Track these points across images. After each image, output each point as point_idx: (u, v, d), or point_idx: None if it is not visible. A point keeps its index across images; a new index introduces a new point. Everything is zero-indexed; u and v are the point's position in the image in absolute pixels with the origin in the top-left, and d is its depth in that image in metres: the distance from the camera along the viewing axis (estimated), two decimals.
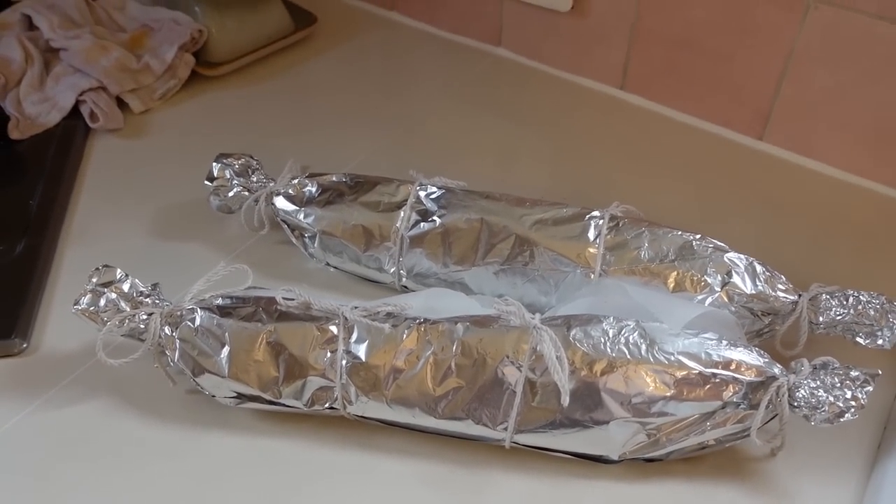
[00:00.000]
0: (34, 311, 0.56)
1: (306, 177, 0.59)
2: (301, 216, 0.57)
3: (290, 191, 0.58)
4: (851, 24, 0.62)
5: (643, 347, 0.45)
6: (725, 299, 0.50)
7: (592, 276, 0.52)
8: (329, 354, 0.47)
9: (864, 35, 0.61)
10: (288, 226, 0.58)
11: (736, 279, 0.50)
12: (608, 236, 0.52)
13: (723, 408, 0.44)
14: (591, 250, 0.52)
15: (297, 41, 0.85)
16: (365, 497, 0.46)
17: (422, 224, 0.55)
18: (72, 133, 0.72)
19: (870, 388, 0.43)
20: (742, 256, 0.51)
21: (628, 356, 0.44)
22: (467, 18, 0.85)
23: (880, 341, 0.49)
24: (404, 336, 0.46)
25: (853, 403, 0.43)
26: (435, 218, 0.55)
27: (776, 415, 0.45)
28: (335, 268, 0.59)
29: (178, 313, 0.48)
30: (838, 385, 0.44)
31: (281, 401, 0.47)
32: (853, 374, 0.44)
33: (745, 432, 0.45)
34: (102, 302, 0.48)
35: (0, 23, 0.80)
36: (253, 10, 0.81)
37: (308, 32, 0.86)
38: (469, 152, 0.72)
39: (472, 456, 0.48)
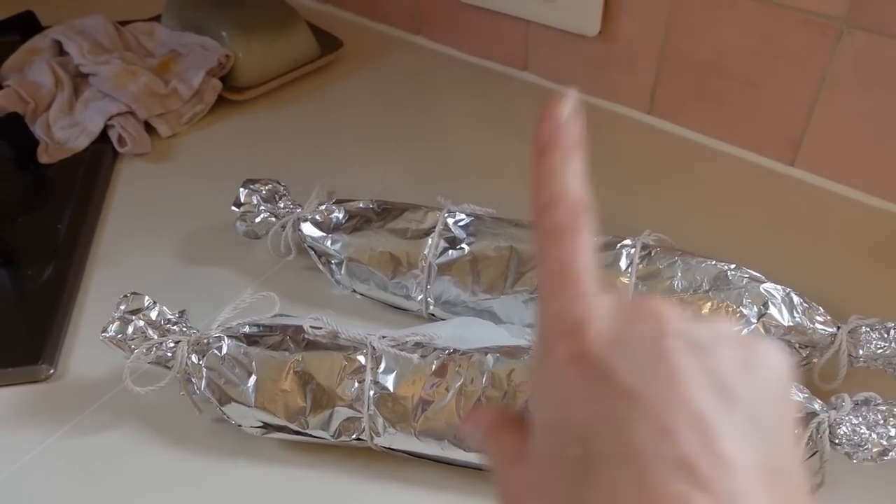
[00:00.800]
0: (61, 336, 0.56)
1: (333, 203, 0.58)
2: (328, 243, 0.57)
3: (318, 217, 0.58)
4: (885, 50, 0.60)
5: None
6: (762, 331, 0.49)
7: None
8: (357, 385, 0.46)
9: None
10: (315, 252, 0.58)
11: (773, 310, 0.49)
12: (640, 266, 0.51)
13: None
14: (623, 280, 0.51)
15: (323, 65, 0.86)
16: None
17: (450, 251, 0.54)
18: (100, 157, 0.72)
19: None
20: (779, 287, 0.50)
21: None
22: (493, 42, 0.85)
23: None
24: (433, 367, 0.46)
25: None
26: (463, 245, 0.54)
27: (816, 452, 0.43)
28: (362, 295, 0.58)
29: (206, 341, 0.48)
30: (881, 422, 0.42)
31: (308, 431, 0.47)
32: None
33: None
34: (130, 329, 0.48)
35: (31, 48, 0.81)
36: (279, 35, 0.81)
37: (334, 57, 0.86)
38: (496, 177, 0.71)
39: None
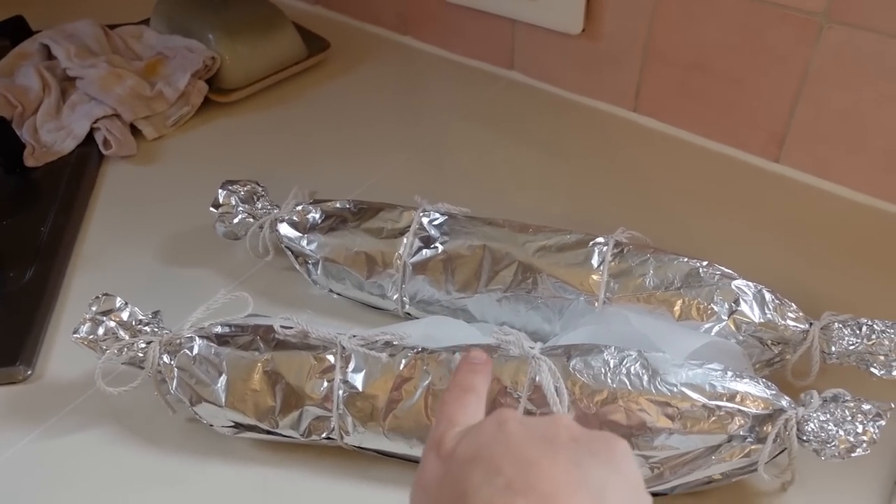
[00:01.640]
0: (40, 338, 0.57)
1: (310, 203, 0.58)
2: (304, 243, 0.57)
3: (294, 217, 0.58)
4: (866, 44, 0.60)
5: (645, 378, 0.43)
6: (733, 328, 0.48)
7: (596, 303, 0.51)
8: (326, 384, 0.46)
9: (879, 54, 0.60)
10: (292, 252, 0.58)
11: (744, 307, 0.49)
12: (612, 263, 0.51)
13: (728, 441, 0.43)
14: (595, 277, 0.51)
15: (310, 66, 0.86)
16: None
17: (424, 251, 0.54)
18: (85, 160, 0.73)
19: (882, 423, 0.42)
20: (750, 284, 0.50)
21: (629, 387, 0.43)
22: (480, 42, 0.85)
23: (895, 372, 0.47)
24: (402, 365, 0.46)
25: (864, 438, 0.42)
26: (437, 244, 0.54)
27: (785, 449, 0.43)
28: (339, 294, 0.58)
29: (177, 342, 0.48)
30: (849, 419, 0.42)
31: (278, 430, 0.47)
32: (865, 407, 0.42)
33: (752, 466, 0.43)
34: (101, 330, 0.48)
35: (20, 53, 0.82)
36: (265, 37, 0.82)
37: (321, 58, 0.87)
38: (481, 176, 0.71)
39: None
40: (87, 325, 0.49)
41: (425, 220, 0.55)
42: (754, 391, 0.43)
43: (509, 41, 0.83)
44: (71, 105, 0.76)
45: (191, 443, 0.50)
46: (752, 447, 0.43)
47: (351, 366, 0.46)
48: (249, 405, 0.47)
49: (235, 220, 0.60)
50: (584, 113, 0.79)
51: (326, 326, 0.48)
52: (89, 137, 0.74)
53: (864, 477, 0.47)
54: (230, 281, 0.61)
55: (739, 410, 0.43)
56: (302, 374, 0.46)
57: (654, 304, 0.50)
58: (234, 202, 0.60)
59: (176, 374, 0.48)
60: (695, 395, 0.43)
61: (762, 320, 0.48)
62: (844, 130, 0.65)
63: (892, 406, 0.42)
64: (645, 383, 0.43)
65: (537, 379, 0.43)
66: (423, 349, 0.46)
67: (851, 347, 0.48)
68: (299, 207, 0.58)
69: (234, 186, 0.60)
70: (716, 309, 0.49)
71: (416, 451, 0.46)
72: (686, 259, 0.51)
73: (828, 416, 0.42)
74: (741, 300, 0.49)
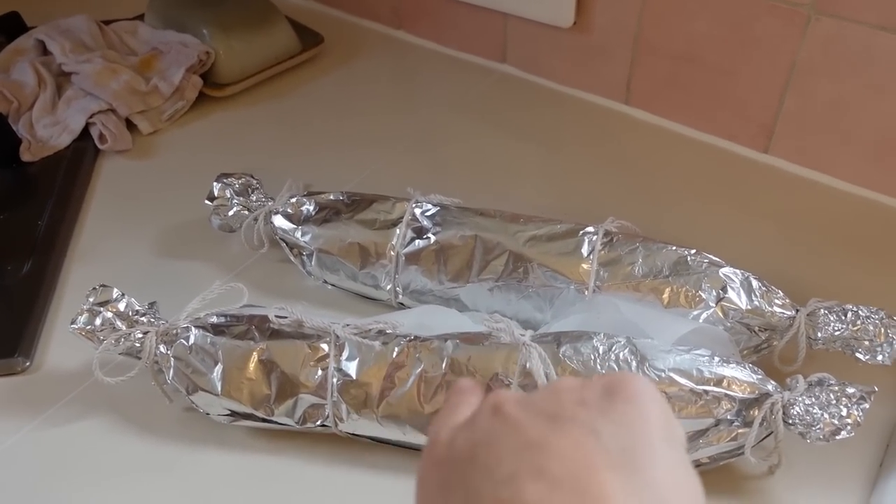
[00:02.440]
0: (38, 329, 0.57)
1: (304, 195, 0.59)
2: (298, 234, 0.58)
3: (289, 209, 0.59)
4: (852, 36, 0.61)
5: (633, 364, 0.44)
6: (721, 315, 0.49)
7: (586, 292, 0.51)
8: (320, 372, 0.47)
9: (865, 46, 0.61)
10: (286, 244, 0.59)
11: (731, 294, 0.49)
12: (602, 252, 0.52)
13: (716, 425, 0.43)
14: (585, 266, 0.52)
15: (304, 61, 0.86)
16: None
17: (417, 241, 0.55)
18: (81, 155, 0.73)
19: (866, 406, 0.43)
20: (738, 271, 0.50)
21: None
22: (472, 36, 0.86)
23: (880, 357, 0.48)
24: (394, 353, 0.46)
25: (849, 421, 0.42)
26: (430, 235, 0.55)
27: (771, 432, 0.44)
28: (333, 285, 0.59)
29: (174, 332, 0.49)
30: (834, 402, 0.43)
31: (273, 418, 0.48)
32: (849, 390, 0.43)
33: (739, 450, 0.44)
34: (98, 321, 0.49)
35: (15, 49, 0.82)
36: (259, 32, 0.82)
37: (315, 52, 0.87)
38: (474, 168, 0.72)
39: None
40: (85, 315, 0.49)
41: (418, 211, 0.56)
42: (741, 376, 0.44)
43: (501, 35, 0.83)
44: (66, 100, 0.77)
45: (187, 431, 0.51)
46: (739, 431, 0.44)
47: (345, 354, 0.47)
48: (245, 393, 0.47)
49: (230, 213, 0.60)
50: (576, 105, 0.80)
51: (321, 316, 0.48)
52: (85, 132, 0.75)
53: (850, 460, 0.48)
54: (226, 273, 0.62)
55: (726, 395, 0.43)
56: (297, 363, 0.47)
57: (643, 291, 0.51)
58: (228, 195, 0.61)
59: (172, 364, 0.48)
60: (682, 380, 0.43)
61: (749, 307, 0.49)
62: (832, 121, 0.66)
63: (876, 389, 0.43)
64: (633, 369, 0.44)
65: (528, 366, 0.44)
66: (416, 337, 0.47)
67: (837, 333, 0.48)
68: (293, 199, 0.59)
69: (229, 179, 0.61)
70: (704, 296, 0.50)
71: (408, 437, 0.47)
72: (674, 247, 0.52)
73: (813, 399, 0.43)
74: (728, 287, 0.50)
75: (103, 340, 0.49)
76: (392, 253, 0.55)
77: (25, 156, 0.73)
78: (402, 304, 0.57)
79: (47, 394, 0.53)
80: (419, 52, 0.90)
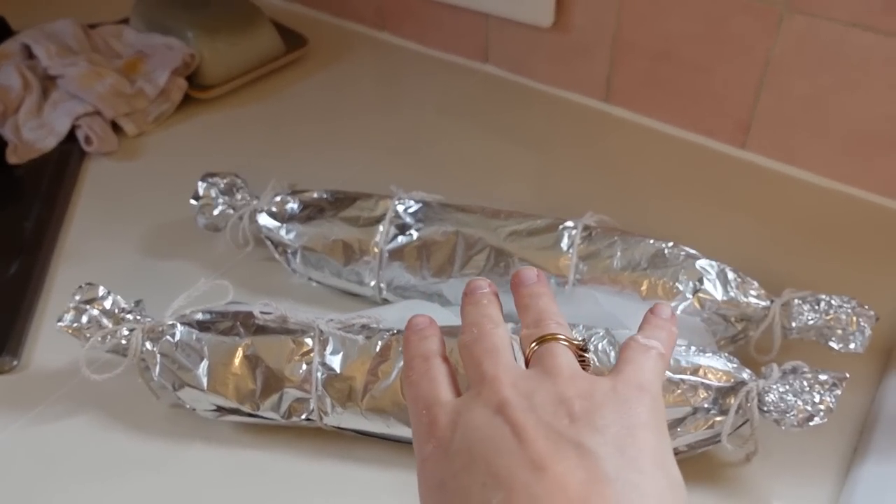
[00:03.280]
0: (25, 329, 0.58)
1: (289, 194, 0.60)
2: (283, 232, 0.58)
3: (273, 208, 0.59)
4: (825, 32, 0.62)
5: (612, 355, 0.45)
6: (697, 306, 0.50)
7: (566, 285, 0.52)
8: (305, 366, 0.47)
9: (837, 43, 0.62)
10: (271, 242, 0.60)
11: (707, 286, 0.51)
12: (581, 246, 0.53)
13: (693, 413, 0.44)
14: (564, 260, 0.53)
15: (288, 63, 0.87)
16: None
17: (400, 238, 0.56)
18: (67, 157, 0.74)
19: (838, 392, 0.44)
20: (714, 263, 0.52)
21: (597, 363, 0.45)
22: (455, 36, 0.87)
23: (852, 345, 0.49)
24: (378, 347, 0.47)
25: (822, 407, 0.44)
26: (412, 231, 0.56)
27: (747, 420, 0.45)
28: (318, 282, 0.60)
29: (160, 329, 0.50)
30: (807, 389, 0.44)
31: (259, 413, 0.48)
32: (822, 377, 0.44)
33: (716, 438, 0.45)
34: (85, 319, 0.49)
35: (1, 53, 0.82)
36: (244, 34, 0.83)
37: (299, 54, 0.88)
38: (457, 168, 0.73)
39: None
40: (71, 313, 0.50)
41: (400, 208, 0.57)
42: (717, 365, 0.45)
43: (483, 35, 0.84)
44: (52, 103, 0.77)
45: (175, 427, 0.51)
46: (716, 419, 0.45)
47: (329, 348, 0.48)
48: (231, 389, 0.48)
49: (216, 212, 0.61)
50: (557, 104, 0.81)
51: (305, 312, 0.49)
52: (71, 135, 0.75)
53: (825, 446, 0.49)
54: (211, 271, 0.62)
55: (703, 383, 0.44)
56: (281, 358, 0.48)
57: (622, 284, 0.52)
58: (214, 194, 0.61)
59: (159, 360, 0.49)
60: None
61: (725, 298, 0.50)
62: (806, 117, 0.67)
63: (847, 376, 0.44)
64: (612, 359, 0.45)
65: None
66: (399, 331, 0.48)
67: (811, 322, 0.50)
68: (278, 198, 0.60)
69: (214, 178, 0.62)
70: (681, 288, 0.51)
71: (393, 430, 0.47)
72: (652, 241, 0.53)
73: (787, 387, 0.44)
74: (705, 279, 0.51)
75: (90, 338, 0.49)
76: (376, 249, 0.56)
77: (12, 158, 0.73)
78: (386, 299, 0.58)
79: (35, 392, 0.54)
80: (403, 54, 0.91)
